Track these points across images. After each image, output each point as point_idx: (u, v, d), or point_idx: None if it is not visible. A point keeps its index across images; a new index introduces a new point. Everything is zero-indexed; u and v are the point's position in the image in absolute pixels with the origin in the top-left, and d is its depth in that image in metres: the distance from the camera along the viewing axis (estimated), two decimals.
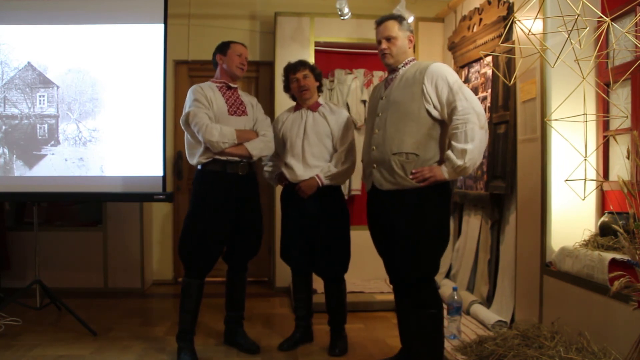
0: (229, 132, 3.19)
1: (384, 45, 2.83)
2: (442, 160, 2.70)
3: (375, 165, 2.81)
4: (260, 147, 3.30)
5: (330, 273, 3.43)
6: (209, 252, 3.27)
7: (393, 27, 2.81)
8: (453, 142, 2.62)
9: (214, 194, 3.25)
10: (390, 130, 2.75)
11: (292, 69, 3.45)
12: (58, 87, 4.12)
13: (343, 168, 3.34)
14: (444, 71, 2.71)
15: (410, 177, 2.68)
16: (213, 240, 3.26)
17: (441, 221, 2.75)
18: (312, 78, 3.43)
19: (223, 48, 3.40)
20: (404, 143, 2.70)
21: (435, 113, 2.69)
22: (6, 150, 4.10)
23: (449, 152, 2.63)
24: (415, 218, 2.69)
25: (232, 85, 3.41)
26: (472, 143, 2.57)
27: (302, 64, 3.45)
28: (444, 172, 2.65)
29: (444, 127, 2.74)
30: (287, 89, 3.53)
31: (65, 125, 4.11)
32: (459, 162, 2.59)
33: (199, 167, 3.31)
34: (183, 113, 3.28)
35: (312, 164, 3.35)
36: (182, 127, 3.28)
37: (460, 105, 2.61)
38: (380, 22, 2.86)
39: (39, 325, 3.94)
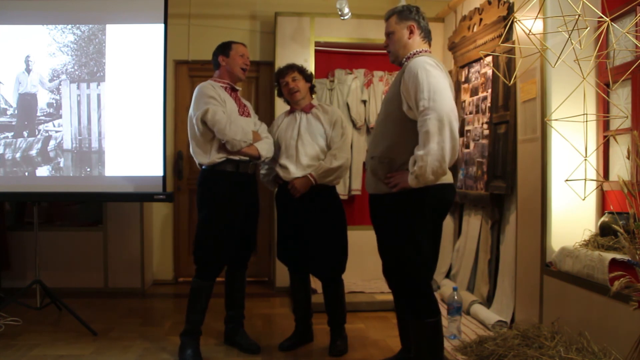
0: (248, 132, 3.23)
1: (385, 42, 2.72)
2: None
3: (367, 167, 2.79)
4: (267, 149, 3.34)
5: (326, 274, 3.44)
6: (225, 254, 3.28)
7: (391, 22, 2.68)
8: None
9: (229, 195, 3.25)
10: (375, 132, 2.70)
11: (281, 73, 3.48)
12: (58, 87, 4.13)
13: (335, 165, 3.34)
14: (417, 66, 2.47)
15: (386, 181, 2.57)
16: (230, 241, 3.27)
17: (418, 230, 2.55)
18: (301, 80, 3.44)
19: (225, 49, 3.38)
20: (380, 146, 2.61)
21: (411, 114, 2.50)
22: (7, 150, 4.10)
23: (410, 159, 2.45)
24: (391, 225, 2.59)
25: (236, 87, 3.42)
26: (424, 149, 2.35)
27: (290, 67, 3.46)
28: (408, 179, 2.45)
29: None
30: (280, 93, 3.56)
31: (65, 124, 4.11)
32: (411, 169, 2.41)
33: (204, 167, 3.27)
34: (197, 110, 3.16)
35: (305, 164, 3.35)
36: (197, 124, 3.16)
37: (422, 106, 2.39)
38: (385, 19, 2.73)
39: (39, 325, 3.94)
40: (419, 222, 2.56)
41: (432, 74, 2.45)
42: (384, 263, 2.74)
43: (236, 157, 3.24)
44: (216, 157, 3.22)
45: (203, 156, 3.24)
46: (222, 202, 3.25)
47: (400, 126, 2.56)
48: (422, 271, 2.60)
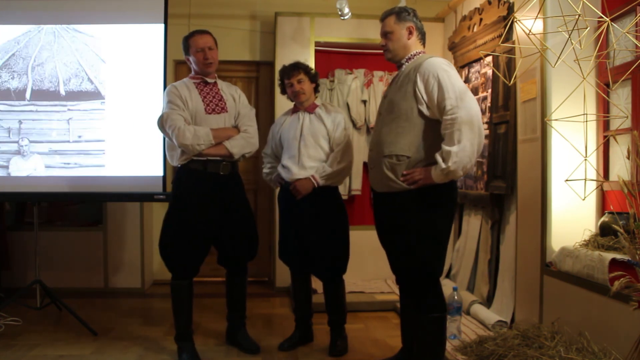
0: (203, 133, 3.11)
1: (382, 41, 2.77)
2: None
3: (372, 167, 2.79)
4: (241, 145, 3.23)
5: (327, 274, 3.43)
6: (189, 253, 3.20)
7: (389, 22, 2.73)
8: (442, 144, 2.49)
9: (193, 194, 3.19)
10: (384, 131, 2.69)
11: (286, 73, 3.42)
12: (57, 87, 4.13)
13: (338, 168, 3.33)
14: (436, 67, 2.56)
15: (401, 179, 2.60)
16: (192, 241, 3.18)
17: (434, 223, 2.62)
18: (306, 81, 3.40)
19: (185, 46, 3.29)
20: (395, 145, 2.63)
21: (428, 113, 2.57)
22: (4, 148, 4.10)
23: (437, 155, 2.50)
24: (407, 220, 2.62)
25: (209, 80, 3.32)
26: (459, 145, 2.43)
27: (295, 67, 3.40)
28: (432, 175, 2.52)
29: (439, 127, 2.57)
30: (283, 91, 3.52)
31: (64, 125, 4.11)
32: (443, 165, 2.46)
33: (178, 165, 3.23)
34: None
35: (307, 166, 3.34)
36: (160, 131, 3.23)
37: (449, 104, 2.47)
38: (381, 19, 2.79)
39: (39, 325, 3.94)
40: (441, 217, 2.65)
41: (452, 75, 2.56)
42: (395, 259, 2.75)
43: (202, 158, 3.16)
44: (181, 158, 3.18)
45: (171, 159, 3.25)
46: (181, 201, 3.20)
47: (416, 124, 2.61)
48: (440, 265, 2.69)
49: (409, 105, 2.61)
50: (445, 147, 2.47)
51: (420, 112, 2.59)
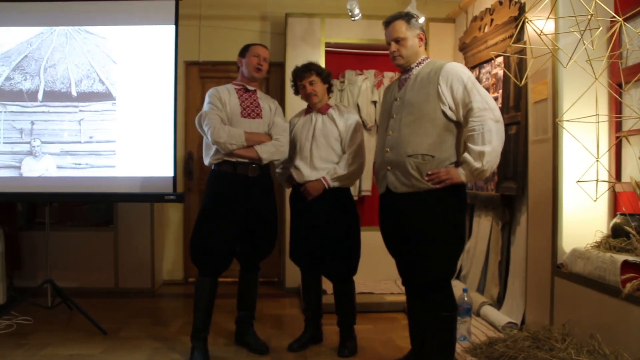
0: (237, 134, 3.21)
1: (394, 47, 2.78)
2: (459, 161, 2.65)
3: (389, 168, 2.77)
4: (271, 151, 3.30)
5: (337, 275, 3.42)
6: (218, 251, 3.26)
7: (401, 28, 2.75)
8: (470, 145, 2.56)
9: (222, 195, 3.28)
10: (405, 132, 2.70)
11: (298, 75, 3.44)
12: (69, 88, 4.15)
13: (350, 170, 3.33)
14: (459, 71, 2.66)
15: (426, 178, 2.63)
16: (221, 240, 3.26)
17: (457, 223, 2.69)
18: (319, 82, 3.40)
19: (243, 51, 3.42)
20: (419, 144, 2.66)
21: (450, 114, 2.65)
22: (16, 149, 4.13)
23: (466, 155, 2.56)
24: (430, 220, 2.64)
25: (250, 87, 3.41)
26: (490, 145, 2.52)
27: (307, 69, 3.40)
28: (461, 175, 2.60)
29: (460, 128, 2.68)
30: (297, 92, 3.53)
31: (76, 126, 4.14)
32: (477, 164, 2.53)
33: (212, 167, 3.35)
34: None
35: (319, 167, 3.34)
36: (198, 129, 3.32)
37: (477, 106, 2.56)
38: (387, 23, 2.80)
39: (50, 325, 3.97)
40: (461, 216, 2.74)
41: (474, 79, 2.67)
42: (412, 260, 2.73)
43: (232, 159, 3.26)
44: (214, 158, 3.29)
45: (205, 157, 3.35)
46: (212, 202, 3.30)
47: (439, 125, 2.67)
48: (456, 264, 2.76)
49: (432, 106, 2.67)
50: (476, 148, 2.54)
51: (444, 113, 2.66)
